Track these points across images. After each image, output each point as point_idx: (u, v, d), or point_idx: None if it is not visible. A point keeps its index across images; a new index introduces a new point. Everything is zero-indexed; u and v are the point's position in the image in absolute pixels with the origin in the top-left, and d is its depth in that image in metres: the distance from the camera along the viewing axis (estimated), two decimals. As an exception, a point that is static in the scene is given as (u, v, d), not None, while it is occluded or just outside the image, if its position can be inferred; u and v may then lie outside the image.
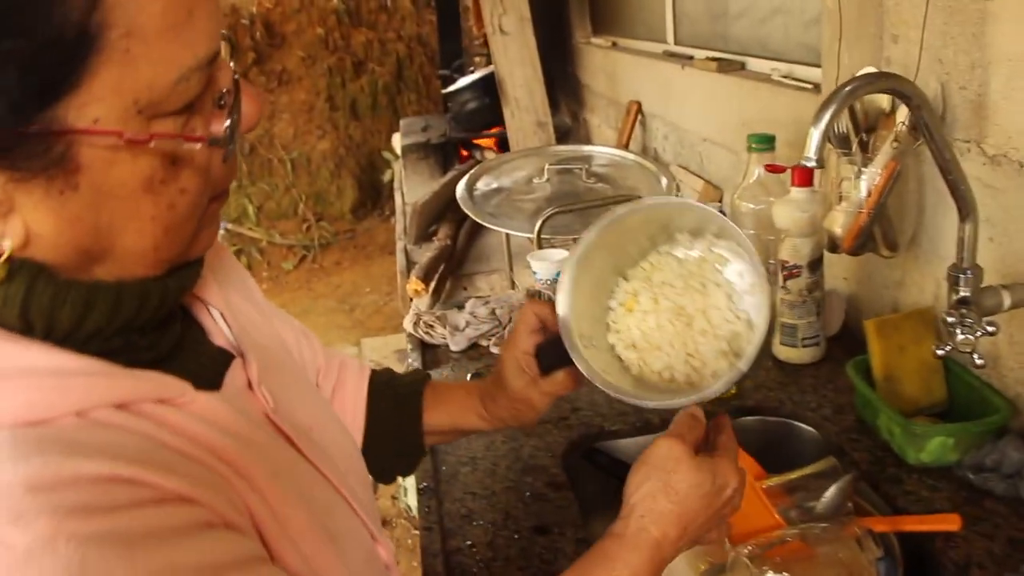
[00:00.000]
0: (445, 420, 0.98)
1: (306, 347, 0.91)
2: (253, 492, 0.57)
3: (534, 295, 1.77)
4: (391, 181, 6.45)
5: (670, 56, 2.58)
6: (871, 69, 1.28)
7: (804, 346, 1.41)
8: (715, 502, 0.78)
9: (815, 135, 0.85)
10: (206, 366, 0.64)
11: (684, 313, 0.86)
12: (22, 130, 0.47)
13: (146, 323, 0.58)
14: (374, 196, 7.16)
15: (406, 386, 0.98)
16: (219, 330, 0.69)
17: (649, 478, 0.76)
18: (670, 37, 2.66)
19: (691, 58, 2.38)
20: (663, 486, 0.75)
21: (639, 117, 2.76)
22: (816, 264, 1.37)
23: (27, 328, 0.52)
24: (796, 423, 1.30)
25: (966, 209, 0.93)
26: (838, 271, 1.56)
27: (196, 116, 0.53)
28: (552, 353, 0.88)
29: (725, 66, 2.07)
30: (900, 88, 0.93)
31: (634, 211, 0.86)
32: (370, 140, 7.09)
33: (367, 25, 7.16)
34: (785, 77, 1.81)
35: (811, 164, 0.85)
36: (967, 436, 1.09)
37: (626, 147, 2.72)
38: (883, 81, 0.99)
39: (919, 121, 0.93)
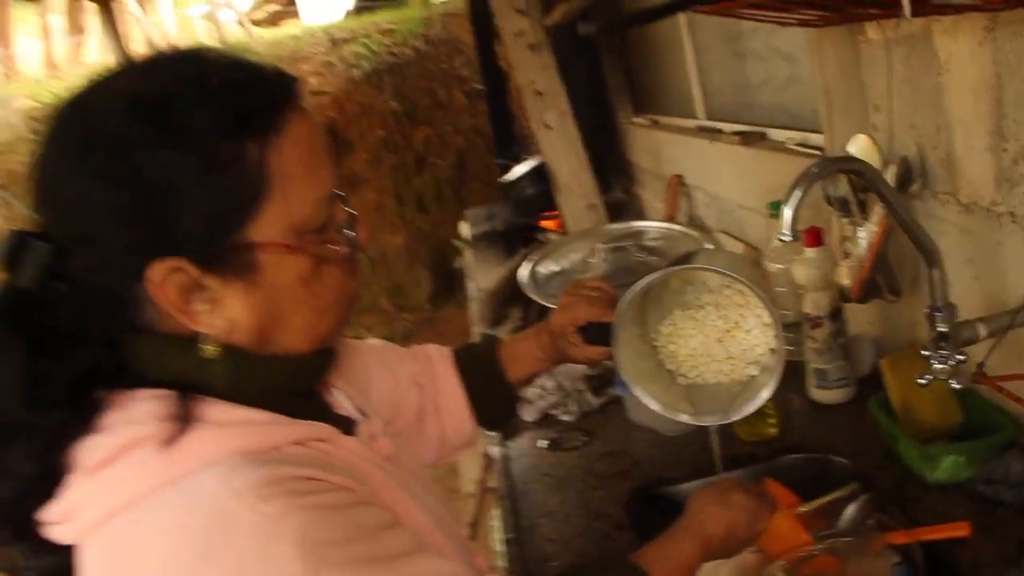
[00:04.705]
0: (521, 373, 1.23)
1: (398, 364, 1.16)
2: (385, 496, 0.81)
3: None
4: (462, 268, 6.74)
5: (702, 131, 2.78)
6: (861, 136, 1.46)
7: (836, 387, 1.57)
8: (750, 526, 1.03)
9: (788, 215, 1.04)
10: (338, 424, 0.86)
11: (721, 336, 1.13)
12: (228, 244, 0.73)
13: (301, 391, 0.84)
14: (449, 283, 7.44)
15: (484, 353, 1.23)
16: (340, 403, 0.92)
17: (711, 495, 1.04)
18: (700, 112, 2.87)
19: (720, 131, 2.59)
20: (722, 501, 1.03)
21: (682, 189, 2.95)
22: (836, 314, 1.53)
23: (232, 390, 0.76)
24: (831, 457, 1.45)
25: (930, 258, 1.10)
26: (864, 318, 1.72)
27: (328, 234, 0.79)
28: (597, 333, 1.13)
29: (747, 139, 2.27)
30: (855, 167, 1.11)
31: (673, 272, 1.13)
32: (439, 230, 7.40)
33: (424, 122, 7.54)
34: (799, 145, 2.00)
35: (787, 239, 1.03)
36: (975, 453, 1.23)
37: (672, 219, 2.91)
38: (840, 163, 1.18)
39: (876, 192, 1.11)
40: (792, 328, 1.73)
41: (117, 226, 0.72)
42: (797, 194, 1.05)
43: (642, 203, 3.82)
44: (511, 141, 5.17)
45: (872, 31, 1.41)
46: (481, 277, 3.97)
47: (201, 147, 0.72)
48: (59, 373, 0.73)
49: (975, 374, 1.05)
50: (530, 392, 1.92)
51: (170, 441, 0.71)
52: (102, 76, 0.79)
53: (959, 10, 1.04)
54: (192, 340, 0.76)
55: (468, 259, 4.58)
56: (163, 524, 0.69)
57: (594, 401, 1.85)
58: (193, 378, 0.76)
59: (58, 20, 10.84)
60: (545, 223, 4.04)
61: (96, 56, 10.43)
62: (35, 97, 7.13)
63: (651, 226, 2.59)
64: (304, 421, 0.80)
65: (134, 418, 0.72)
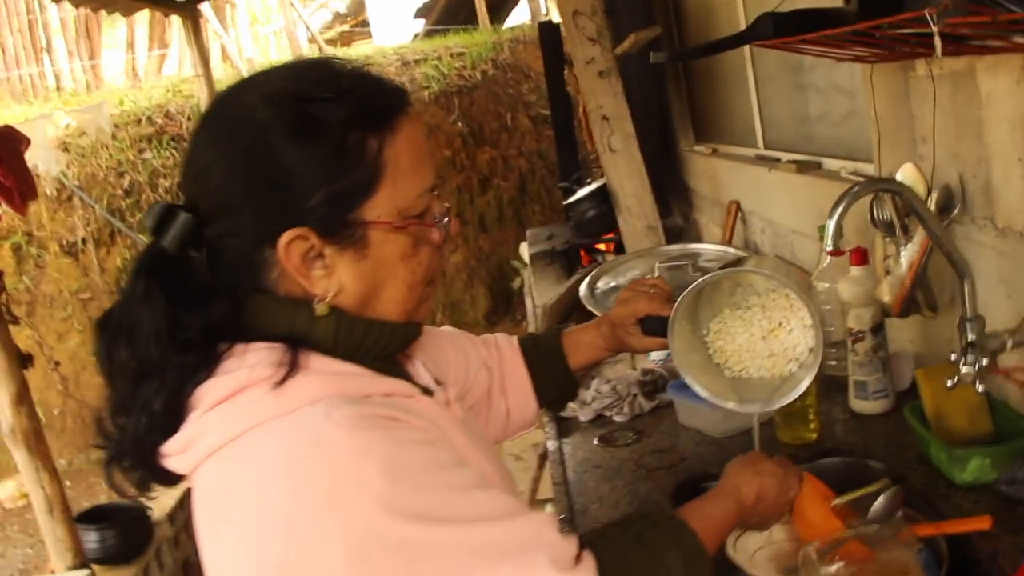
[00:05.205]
0: (583, 360, 1.36)
1: (470, 348, 1.29)
2: (457, 445, 0.93)
3: (647, 372, 2.08)
4: (520, 288, 6.88)
5: (760, 159, 2.90)
6: (908, 165, 1.58)
7: (875, 399, 1.67)
8: (781, 493, 1.13)
9: (831, 227, 1.16)
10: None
11: (765, 335, 1.24)
12: (346, 219, 0.88)
13: (390, 354, 0.97)
14: (505, 303, 7.60)
15: (549, 341, 1.37)
16: (419, 373, 1.05)
17: (744, 462, 1.16)
18: (759, 142, 2.99)
19: (778, 160, 2.70)
20: (753, 467, 1.15)
21: (739, 215, 3.07)
22: (878, 329, 1.64)
23: (332, 347, 0.90)
24: (868, 461, 1.55)
25: (961, 272, 1.21)
26: (905, 335, 1.82)
27: (426, 220, 0.94)
28: (654, 325, 1.27)
29: (803, 167, 2.38)
30: (893, 187, 1.23)
31: (726, 275, 1.25)
32: (499, 250, 7.58)
33: (490, 144, 7.74)
34: (852, 174, 2.11)
35: (830, 250, 1.16)
36: (1000, 456, 1.33)
37: (728, 242, 3.02)
38: (879, 184, 1.30)
39: (912, 210, 1.23)
40: (837, 345, 1.84)
41: (256, 199, 0.88)
42: (840, 210, 1.17)
43: (699, 228, 3.93)
44: (575, 165, 5.32)
45: (921, 68, 1.53)
46: (540, 294, 4.11)
47: (332, 137, 0.87)
48: (193, 322, 0.87)
49: (988, 366, 1.15)
50: (586, 395, 2.04)
51: (280, 383, 0.85)
52: (248, 76, 0.95)
53: (992, 51, 1.16)
54: (303, 302, 0.90)
55: (527, 277, 4.72)
56: (272, 448, 0.83)
57: (646, 404, 1.97)
58: (301, 334, 0.90)
59: (143, 34, 11.30)
60: (602, 245, 4.18)
61: (176, 69, 10.86)
62: (119, 106, 7.49)
63: (707, 248, 2.71)
64: (391, 378, 0.94)
65: (250, 363, 0.86)
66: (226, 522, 0.85)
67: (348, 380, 0.88)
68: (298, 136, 0.87)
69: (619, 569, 0.89)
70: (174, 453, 0.87)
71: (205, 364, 0.87)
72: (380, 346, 0.95)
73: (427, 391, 1.01)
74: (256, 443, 0.83)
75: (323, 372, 0.87)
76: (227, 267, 0.91)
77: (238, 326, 0.89)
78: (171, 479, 0.91)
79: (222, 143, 0.89)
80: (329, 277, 0.90)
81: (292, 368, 0.86)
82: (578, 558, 0.88)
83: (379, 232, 0.90)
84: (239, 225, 0.89)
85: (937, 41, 0.91)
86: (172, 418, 0.86)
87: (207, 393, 0.86)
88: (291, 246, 0.87)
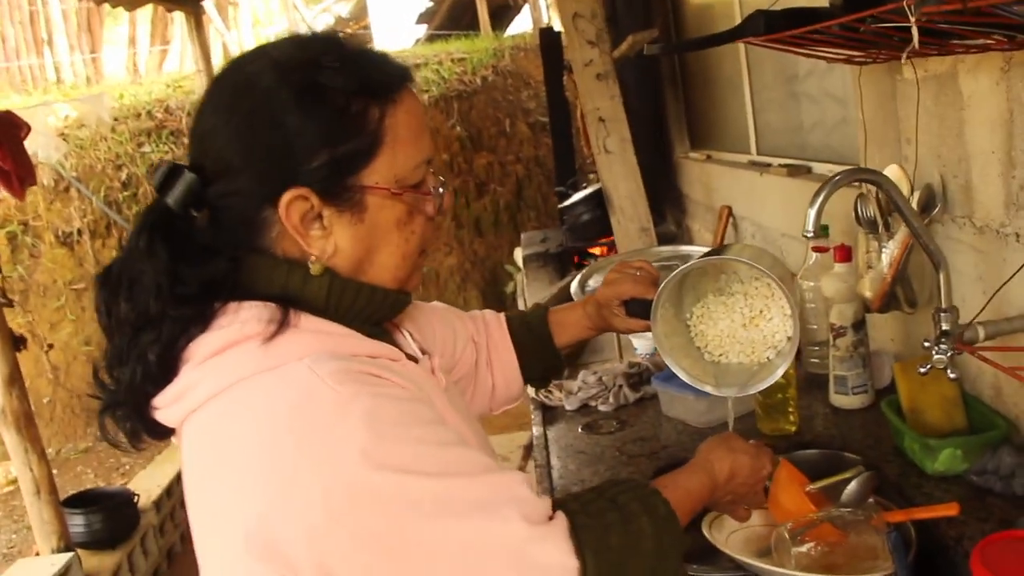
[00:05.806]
0: (568, 338, 1.40)
1: (458, 323, 1.33)
2: (439, 408, 0.95)
3: (633, 365, 2.12)
4: (513, 292, 6.91)
5: (753, 165, 2.94)
6: (893, 166, 1.61)
7: (854, 394, 1.70)
8: (754, 470, 1.16)
9: (812, 214, 1.20)
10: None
11: (746, 322, 1.28)
12: (346, 183, 0.91)
13: (379, 320, 1.00)
14: (497, 307, 7.60)
15: (535, 319, 1.40)
16: (407, 343, 1.08)
17: (718, 440, 1.20)
18: (753, 148, 3.03)
19: (769, 165, 2.74)
20: (727, 444, 1.18)
21: (730, 219, 3.11)
22: (859, 325, 1.68)
23: (324, 307, 0.93)
24: (844, 453, 1.58)
25: (937, 262, 1.25)
26: (885, 334, 1.86)
27: (421, 191, 0.97)
28: (638, 308, 1.31)
29: (794, 171, 2.42)
30: (873, 178, 1.26)
31: (710, 262, 1.29)
32: (493, 255, 7.61)
33: (488, 149, 7.78)
34: (840, 177, 2.15)
35: (809, 235, 1.19)
36: (971, 447, 1.37)
37: (719, 245, 3.06)
38: (860, 173, 1.34)
39: (891, 200, 1.26)
40: (820, 344, 1.88)
41: (260, 160, 0.91)
42: (822, 197, 1.21)
43: (692, 234, 3.97)
44: (571, 170, 5.37)
45: (907, 71, 1.57)
46: (532, 295, 4.15)
47: (336, 103, 0.90)
48: (192, 277, 0.90)
49: (957, 346, 1.19)
50: (572, 385, 2.08)
51: (270, 339, 0.88)
52: (256, 47, 0.99)
53: (976, 50, 1.20)
54: (298, 263, 0.93)
55: (520, 280, 4.76)
56: (259, 400, 0.86)
57: (631, 395, 2.00)
58: (294, 293, 0.93)
59: (144, 30, 11.34)
60: (594, 248, 4.24)
61: (177, 66, 10.90)
62: (119, 99, 7.53)
63: (698, 250, 2.75)
64: (378, 341, 0.97)
65: (242, 319, 0.89)
66: (212, 473, 0.88)
67: (336, 339, 0.91)
68: (303, 100, 0.90)
69: (591, 527, 0.92)
70: (165, 405, 0.90)
71: (200, 319, 0.90)
72: (370, 310, 0.98)
73: (412, 359, 1.04)
74: (243, 396, 0.86)
75: (312, 330, 0.90)
76: (227, 227, 0.94)
77: (234, 284, 0.92)
78: (161, 431, 0.94)
79: (229, 106, 0.93)
80: (326, 238, 0.93)
81: (282, 325, 0.89)
82: (551, 517, 0.91)
83: (376, 197, 0.93)
84: (242, 184, 0.92)
85: (914, 31, 0.95)
86: (165, 370, 0.89)
87: (200, 347, 0.89)
88: (291, 206, 0.90)
